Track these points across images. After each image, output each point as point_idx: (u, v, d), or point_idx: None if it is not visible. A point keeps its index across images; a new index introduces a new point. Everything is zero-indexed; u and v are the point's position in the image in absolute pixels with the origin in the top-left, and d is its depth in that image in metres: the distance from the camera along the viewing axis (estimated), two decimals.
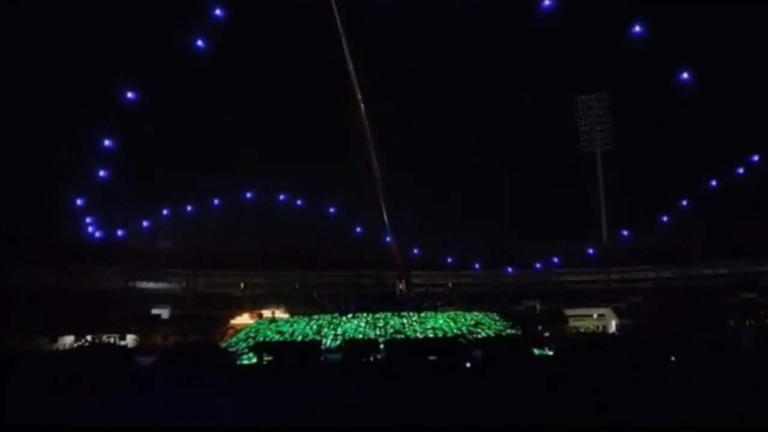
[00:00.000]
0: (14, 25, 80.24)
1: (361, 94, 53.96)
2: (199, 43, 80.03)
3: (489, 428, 14.24)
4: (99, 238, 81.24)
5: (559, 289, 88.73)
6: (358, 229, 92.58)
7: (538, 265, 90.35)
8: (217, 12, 72.94)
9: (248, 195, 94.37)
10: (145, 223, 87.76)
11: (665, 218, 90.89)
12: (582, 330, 76.59)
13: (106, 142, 79.18)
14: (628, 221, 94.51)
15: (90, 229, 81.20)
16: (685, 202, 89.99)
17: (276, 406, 18.92)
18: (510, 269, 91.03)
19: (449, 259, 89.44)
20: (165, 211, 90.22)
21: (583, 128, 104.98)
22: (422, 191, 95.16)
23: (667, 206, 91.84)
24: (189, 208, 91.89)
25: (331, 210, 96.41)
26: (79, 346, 59.59)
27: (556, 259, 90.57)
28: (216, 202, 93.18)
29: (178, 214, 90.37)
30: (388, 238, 57.31)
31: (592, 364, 30.78)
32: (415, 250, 72.70)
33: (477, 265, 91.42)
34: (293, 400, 20.26)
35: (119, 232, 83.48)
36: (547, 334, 62.16)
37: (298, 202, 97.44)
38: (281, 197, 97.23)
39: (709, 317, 60.09)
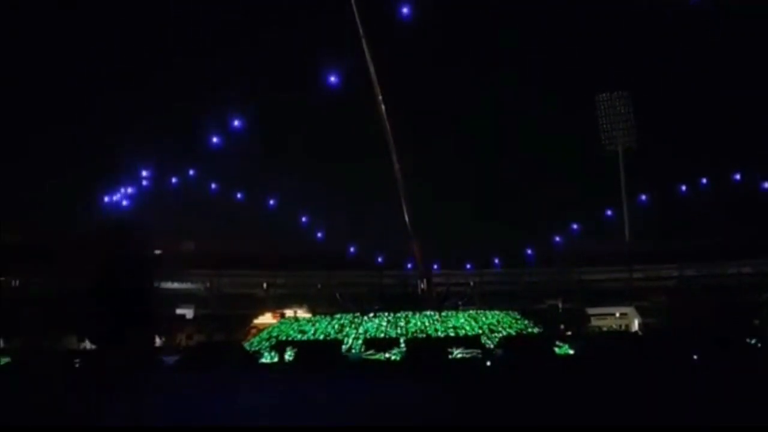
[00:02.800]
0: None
1: (382, 95, 54.10)
2: None
3: (502, 428, 14.38)
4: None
5: (581, 288, 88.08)
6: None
7: (557, 239, 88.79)
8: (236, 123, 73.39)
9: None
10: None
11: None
12: (605, 329, 76.10)
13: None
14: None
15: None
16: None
17: (294, 405, 19.21)
18: (529, 251, 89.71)
19: (468, 264, 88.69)
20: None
21: (604, 126, 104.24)
22: (441, 191, 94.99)
23: (689, 202, 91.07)
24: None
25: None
26: None
27: (575, 226, 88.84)
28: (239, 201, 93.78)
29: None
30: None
31: (613, 363, 30.81)
32: (435, 266, 71.76)
33: (496, 260, 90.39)
34: (310, 398, 20.56)
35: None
36: (569, 333, 61.87)
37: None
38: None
39: (733, 316, 59.41)
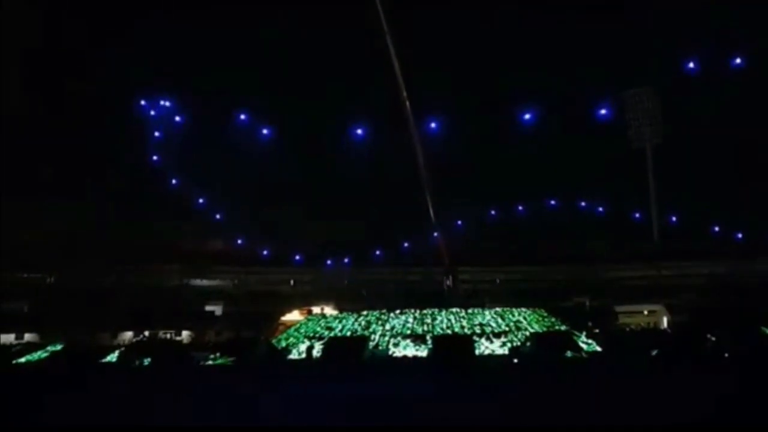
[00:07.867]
0: None
1: (407, 92, 54.20)
2: None
3: (518, 428, 14.48)
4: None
5: (609, 285, 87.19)
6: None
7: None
8: None
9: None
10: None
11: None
12: (633, 327, 75.37)
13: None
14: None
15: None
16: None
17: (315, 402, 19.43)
18: (553, 201, 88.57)
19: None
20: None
21: (632, 122, 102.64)
22: (463, 188, 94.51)
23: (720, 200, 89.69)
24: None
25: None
26: (137, 341, 62.15)
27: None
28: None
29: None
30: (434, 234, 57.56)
31: (640, 360, 30.70)
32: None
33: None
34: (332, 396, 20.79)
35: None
36: (596, 331, 61.44)
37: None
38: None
39: (762, 314, 58.47)
